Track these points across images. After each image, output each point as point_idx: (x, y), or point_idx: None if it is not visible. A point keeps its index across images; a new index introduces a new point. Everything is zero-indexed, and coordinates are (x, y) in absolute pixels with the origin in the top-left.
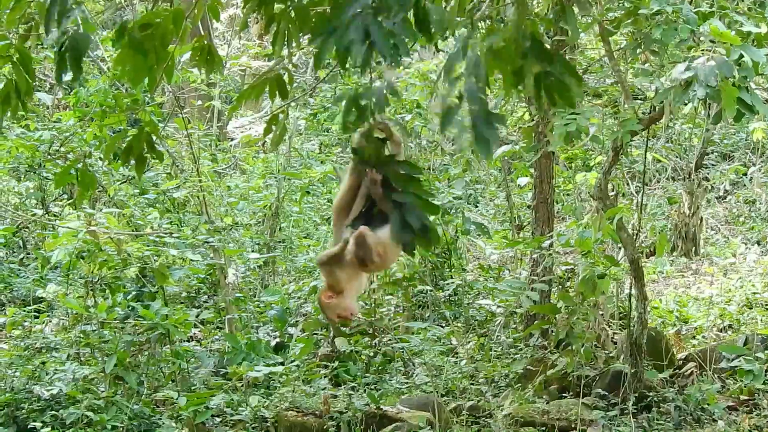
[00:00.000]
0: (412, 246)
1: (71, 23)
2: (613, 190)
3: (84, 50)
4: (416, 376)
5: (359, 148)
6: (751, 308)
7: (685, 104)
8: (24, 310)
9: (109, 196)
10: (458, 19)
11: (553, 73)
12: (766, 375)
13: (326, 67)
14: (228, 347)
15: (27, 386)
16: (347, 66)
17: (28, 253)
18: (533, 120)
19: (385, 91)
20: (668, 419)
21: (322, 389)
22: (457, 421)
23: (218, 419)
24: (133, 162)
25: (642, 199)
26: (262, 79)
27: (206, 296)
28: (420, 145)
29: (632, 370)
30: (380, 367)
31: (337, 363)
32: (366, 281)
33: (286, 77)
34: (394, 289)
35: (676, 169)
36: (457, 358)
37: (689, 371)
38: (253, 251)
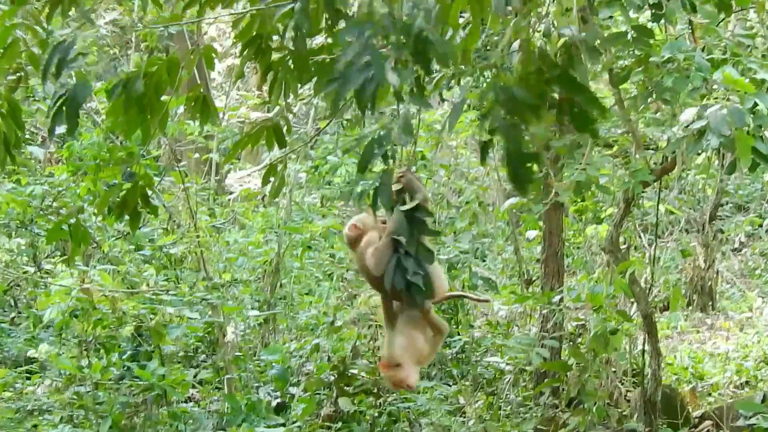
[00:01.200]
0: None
1: (70, 75)
2: (624, 243)
3: (83, 102)
4: None
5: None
6: None
7: (699, 154)
8: (15, 371)
9: (103, 252)
10: (462, 68)
11: (578, 104)
12: None
13: (328, 118)
14: (227, 408)
15: None
16: (365, 108)
17: (20, 312)
18: (541, 171)
19: (405, 129)
20: None
21: None
22: None
23: None
24: (127, 217)
25: (655, 252)
26: (259, 127)
27: (204, 355)
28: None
29: (647, 429)
30: (385, 428)
31: (340, 424)
32: (428, 348)
33: (284, 126)
34: None
35: (689, 221)
36: (464, 417)
37: (705, 430)
38: (252, 308)
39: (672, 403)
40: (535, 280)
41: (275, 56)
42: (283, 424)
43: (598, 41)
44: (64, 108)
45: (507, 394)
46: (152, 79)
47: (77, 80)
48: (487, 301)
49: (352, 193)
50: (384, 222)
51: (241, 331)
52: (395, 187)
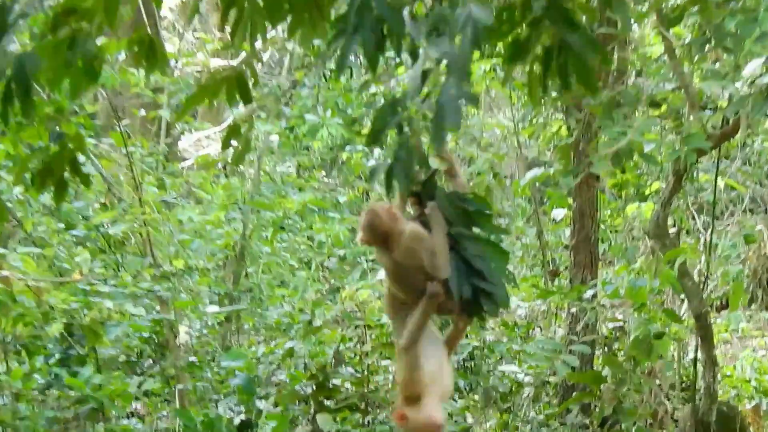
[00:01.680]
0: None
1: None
2: (674, 226)
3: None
4: None
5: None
6: None
7: (767, 116)
8: None
9: (25, 231)
10: None
11: (572, 46)
12: None
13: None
14: (179, 426)
15: None
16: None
17: None
18: (572, 135)
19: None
20: None
21: None
22: None
23: None
24: (52, 188)
25: (711, 238)
26: (219, 78)
27: (151, 361)
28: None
29: None
30: None
31: None
32: (450, 377)
33: (250, 77)
34: (392, 351)
35: (754, 199)
36: None
37: None
38: (211, 303)
39: (730, 424)
40: (562, 271)
41: None
42: None
43: None
44: (12, 86)
45: (526, 412)
46: (85, 16)
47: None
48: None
49: (371, 173)
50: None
51: (197, 332)
52: (437, 166)
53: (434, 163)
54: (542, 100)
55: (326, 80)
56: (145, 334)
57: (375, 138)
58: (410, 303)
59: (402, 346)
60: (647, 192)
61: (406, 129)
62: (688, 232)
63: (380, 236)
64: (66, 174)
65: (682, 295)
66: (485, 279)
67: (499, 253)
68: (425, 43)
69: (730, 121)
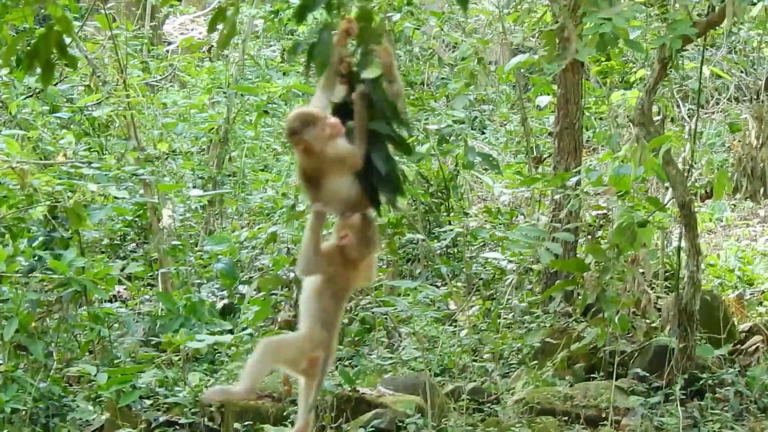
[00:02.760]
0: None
1: None
2: (659, 114)
3: None
4: (403, 349)
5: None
6: None
7: (753, 4)
8: None
9: (10, 113)
10: None
11: None
12: None
13: None
14: (162, 310)
15: None
16: None
17: None
18: (557, 21)
19: None
20: (726, 408)
21: None
22: (455, 408)
23: (148, 402)
24: (39, 70)
25: (696, 126)
26: None
27: (134, 244)
28: (411, 54)
29: (681, 345)
30: (357, 338)
31: None
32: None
33: None
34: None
35: (740, 87)
36: (455, 326)
37: (753, 347)
38: (194, 187)
39: (713, 313)
40: (546, 158)
41: None
42: (231, 331)
43: None
44: None
45: (509, 299)
46: None
47: None
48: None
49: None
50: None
51: (180, 215)
52: (379, 66)
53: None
54: None
55: None
56: (129, 218)
57: (301, 15)
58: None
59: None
60: (632, 79)
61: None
62: (672, 120)
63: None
64: (53, 56)
65: (666, 184)
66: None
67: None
68: None
69: (716, 9)
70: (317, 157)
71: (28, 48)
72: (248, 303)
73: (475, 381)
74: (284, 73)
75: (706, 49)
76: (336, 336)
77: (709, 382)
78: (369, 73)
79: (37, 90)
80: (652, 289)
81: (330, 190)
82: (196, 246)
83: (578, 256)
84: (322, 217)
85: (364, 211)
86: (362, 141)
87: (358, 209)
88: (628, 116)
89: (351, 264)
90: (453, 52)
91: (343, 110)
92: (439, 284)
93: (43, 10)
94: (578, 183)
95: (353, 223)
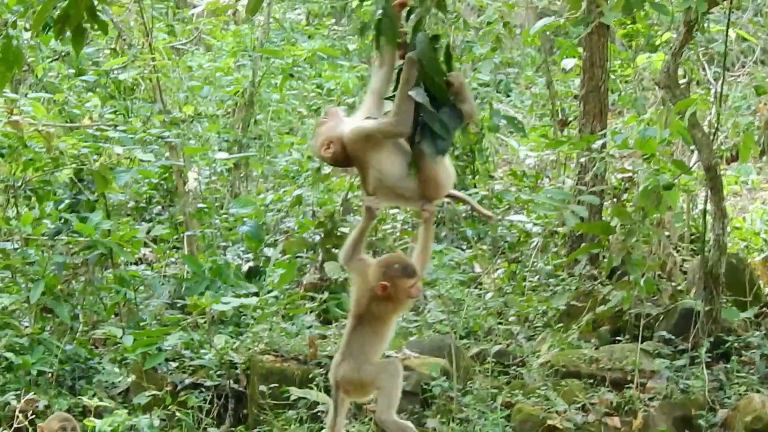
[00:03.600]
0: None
1: None
2: (684, 77)
3: None
4: (428, 312)
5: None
6: None
7: None
8: None
9: (36, 77)
10: None
11: None
12: None
13: None
14: (187, 272)
15: None
16: None
17: None
18: None
19: None
20: (752, 371)
21: (308, 328)
22: (480, 371)
23: (173, 364)
24: (68, 34)
25: (722, 89)
26: None
27: (160, 207)
28: (437, 17)
29: (706, 308)
30: None
31: (326, 294)
32: None
33: None
34: None
35: (765, 50)
36: (481, 289)
37: None
38: (220, 150)
39: (739, 276)
40: (571, 121)
41: None
42: (257, 294)
43: None
44: None
45: (534, 262)
46: None
47: None
48: (489, 217)
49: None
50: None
51: (206, 178)
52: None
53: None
54: None
55: None
56: (154, 180)
57: None
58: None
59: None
60: (657, 42)
61: None
62: (698, 83)
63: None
64: (83, 21)
65: (692, 146)
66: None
67: (455, 115)
68: None
69: None
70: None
71: (58, 13)
72: (273, 266)
73: (500, 344)
74: (309, 36)
75: (732, 11)
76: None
77: (735, 345)
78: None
79: (63, 53)
80: (677, 252)
81: (375, 175)
82: (222, 209)
83: (604, 219)
84: (371, 214)
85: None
86: (402, 108)
87: (413, 201)
88: (653, 79)
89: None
90: (479, 16)
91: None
92: (465, 247)
93: None
94: (604, 146)
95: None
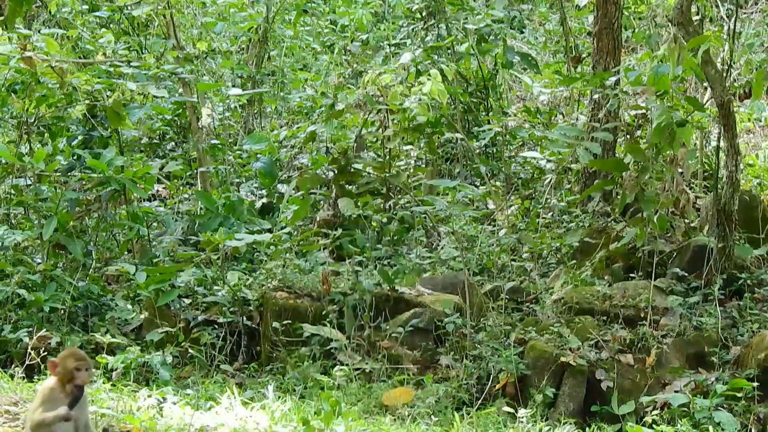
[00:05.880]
0: None
1: None
2: (697, 14)
3: None
4: (442, 249)
5: None
6: None
7: None
8: None
9: (49, 12)
10: None
11: None
12: None
13: None
14: (200, 209)
15: None
16: None
17: None
18: None
19: None
20: (765, 308)
21: (321, 264)
22: (493, 307)
23: (187, 301)
24: None
25: (735, 26)
26: None
27: (173, 143)
28: None
29: (719, 245)
30: (396, 237)
31: (340, 230)
32: None
33: None
34: (414, 137)
35: None
36: (494, 226)
37: None
38: (234, 86)
39: (752, 213)
40: (585, 58)
41: None
42: (270, 230)
43: None
44: None
45: (547, 199)
46: None
47: None
48: None
49: None
50: None
51: (219, 114)
52: None
53: None
54: None
55: None
56: (168, 117)
57: None
58: None
59: None
60: None
61: None
62: (711, 20)
63: None
64: None
65: (705, 84)
66: None
67: None
68: None
69: None
70: None
71: None
72: (287, 202)
73: (513, 280)
74: None
75: None
76: None
77: (748, 282)
78: None
79: None
80: (690, 188)
81: None
82: (236, 145)
83: (617, 155)
84: None
85: None
86: None
87: None
88: (666, 16)
89: None
90: None
91: None
92: (478, 184)
93: None
94: (617, 83)
95: None
